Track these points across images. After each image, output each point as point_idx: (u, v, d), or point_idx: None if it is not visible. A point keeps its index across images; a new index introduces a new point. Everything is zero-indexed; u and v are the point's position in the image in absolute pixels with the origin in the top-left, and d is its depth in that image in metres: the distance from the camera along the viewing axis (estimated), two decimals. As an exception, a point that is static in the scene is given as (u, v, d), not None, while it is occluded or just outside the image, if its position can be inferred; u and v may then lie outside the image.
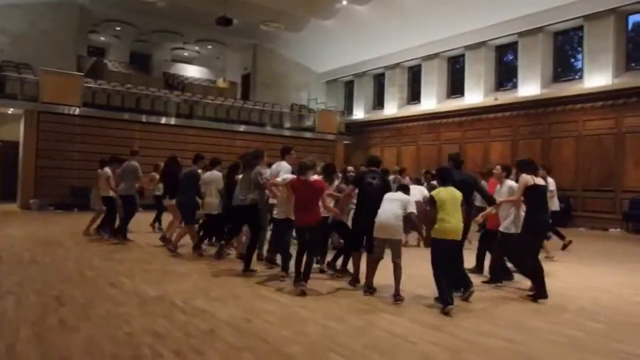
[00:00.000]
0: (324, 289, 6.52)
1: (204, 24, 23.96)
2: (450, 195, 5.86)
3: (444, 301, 5.59)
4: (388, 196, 6.36)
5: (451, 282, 5.89)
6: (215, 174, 9.08)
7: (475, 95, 19.98)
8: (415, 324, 5.11)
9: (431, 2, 18.78)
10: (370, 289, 6.31)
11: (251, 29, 24.28)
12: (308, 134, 23.49)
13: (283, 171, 7.91)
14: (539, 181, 6.59)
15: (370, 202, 6.49)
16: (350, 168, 11.40)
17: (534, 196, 6.47)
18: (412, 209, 6.25)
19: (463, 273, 6.29)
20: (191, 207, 9.21)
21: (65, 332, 4.58)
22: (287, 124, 23.68)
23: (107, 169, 10.49)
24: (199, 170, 9.50)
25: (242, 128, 21.51)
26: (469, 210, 6.82)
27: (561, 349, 4.56)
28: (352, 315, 5.45)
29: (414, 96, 23.39)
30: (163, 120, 19.83)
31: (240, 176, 8.17)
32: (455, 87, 21.53)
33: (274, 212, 7.67)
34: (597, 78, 16.10)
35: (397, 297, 5.95)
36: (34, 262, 7.84)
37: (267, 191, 7.92)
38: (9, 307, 5.32)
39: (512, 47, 19.45)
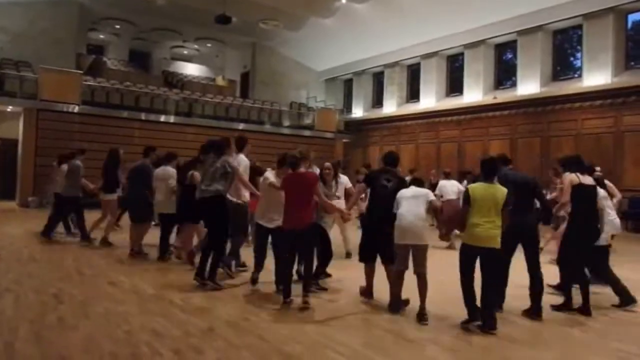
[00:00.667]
0: (325, 289, 6.52)
1: (203, 22, 23.91)
2: (489, 193, 5.00)
3: (469, 315, 5.00)
4: (408, 193, 5.57)
5: (490, 298, 5.02)
6: (169, 171, 8.29)
7: (474, 94, 19.97)
8: (414, 322, 5.11)
9: (430, 0, 18.76)
10: (398, 307, 5.49)
11: (250, 27, 24.24)
12: (307, 132, 23.47)
13: (242, 166, 7.15)
14: (587, 180, 5.85)
15: (381, 207, 5.77)
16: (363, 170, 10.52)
17: (578, 198, 5.74)
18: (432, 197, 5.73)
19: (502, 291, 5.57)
20: (141, 204, 8.45)
21: (64, 331, 4.59)
22: (286, 122, 23.66)
23: (65, 166, 10.14)
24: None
25: (241, 126, 21.47)
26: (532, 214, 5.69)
27: (557, 347, 4.57)
28: (351, 314, 5.45)
29: (413, 94, 23.36)
30: (162, 118, 19.81)
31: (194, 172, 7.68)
32: (454, 86, 21.50)
33: (261, 218, 6.57)
34: (596, 77, 16.09)
35: (423, 317, 5.14)
36: (32, 260, 7.84)
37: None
38: (7, 305, 5.32)
39: (511, 46, 19.43)
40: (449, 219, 5.87)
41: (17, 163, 17.46)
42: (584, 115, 16.37)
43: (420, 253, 5.38)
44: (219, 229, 6.49)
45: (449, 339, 4.72)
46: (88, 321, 4.86)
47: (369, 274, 6.03)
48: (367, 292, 6.06)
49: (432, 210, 5.76)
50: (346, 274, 7.13)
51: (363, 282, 6.07)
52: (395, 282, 5.52)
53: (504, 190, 5.00)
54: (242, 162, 7.21)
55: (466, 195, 5.11)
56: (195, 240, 8.12)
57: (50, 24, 20.83)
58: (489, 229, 4.90)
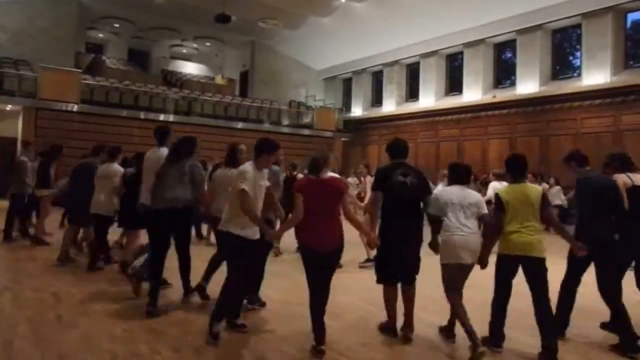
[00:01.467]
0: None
1: (203, 21, 23.90)
2: (522, 195, 4.38)
3: (492, 339, 4.41)
4: (454, 196, 4.55)
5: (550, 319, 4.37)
6: (113, 168, 7.22)
7: (473, 93, 19.96)
8: (416, 322, 5.11)
9: (430, -1, 18.78)
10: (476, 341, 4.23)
11: (249, 26, 24.23)
12: (306, 131, 23.47)
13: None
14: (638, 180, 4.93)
15: (403, 212, 4.64)
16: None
17: (632, 202, 4.81)
18: (485, 209, 4.67)
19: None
20: (80, 204, 7.43)
21: (63, 329, 4.59)
22: (285, 121, 23.65)
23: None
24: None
25: (240, 125, 21.48)
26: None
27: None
28: (350, 312, 5.45)
29: (412, 93, 23.35)
30: (161, 117, 19.79)
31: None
32: (454, 85, 21.50)
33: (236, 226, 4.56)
34: (596, 76, 16.09)
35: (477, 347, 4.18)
36: (31, 258, 7.83)
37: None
38: (6, 304, 5.32)
39: (510, 45, 19.43)
40: (488, 235, 4.52)
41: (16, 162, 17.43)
42: (583, 115, 16.37)
43: (467, 273, 4.57)
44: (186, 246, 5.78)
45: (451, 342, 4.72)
46: (87, 319, 4.86)
47: (392, 300, 4.74)
48: (389, 325, 4.78)
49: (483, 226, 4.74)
50: (345, 270, 7.12)
51: (363, 282, 6.04)
52: (462, 311, 4.40)
53: (538, 188, 4.49)
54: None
55: (498, 201, 4.45)
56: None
57: (49, 22, 20.80)
58: (527, 235, 4.29)
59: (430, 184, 5.48)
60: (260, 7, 21.22)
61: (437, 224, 4.58)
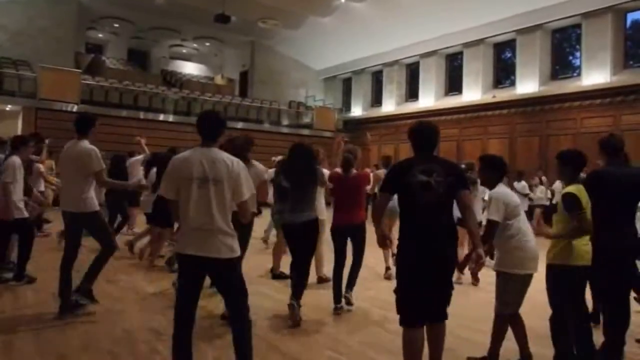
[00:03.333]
0: (321, 287, 6.52)
1: (202, 21, 23.91)
2: (586, 197, 3.75)
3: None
4: (515, 197, 4.00)
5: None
6: (12, 161, 5.98)
7: (473, 93, 19.97)
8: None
9: (429, -1, 18.79)
10: None
11: (249, 26, 24.24)
12: (306, 131, 23.49)
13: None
14: None
15: (425, 226, 3.40)
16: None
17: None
18: None
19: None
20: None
21: (63, 329, 4.59)
22: (285, 121, 23.68)
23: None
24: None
25: (240, 125, 21.47)
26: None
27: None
28: (350, 312, 5.45)
29: (412, 93, 23.36)
30: (161, 117, 19.82)
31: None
32: (453, 85, 21.51)
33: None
34: (595, 76, 16.10)
35: None
36: (30, 258, 7.82)
37: None
38: (6, 304, 5.32)
39: (510, 45, 19.43)
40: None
41: (15, 162, 17.45)
42: (582, 114, 16.37)
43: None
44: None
45: (449, 338, 4.70)
46: (87, 319, 4.86)
47: (415, 347, 3.43)
48: None
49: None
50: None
51: (363, 282, 6.01)
52: (499, 336, 3.91)
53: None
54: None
55: (574, 202, 3.64)
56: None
57: (49, 22, 20.80)
58: (588, 243, 3.73)
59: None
60: (260, 7, 21.22)
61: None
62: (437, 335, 3.51)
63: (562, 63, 18.12)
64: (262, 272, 7.32)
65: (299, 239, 5.16)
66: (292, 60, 27.39)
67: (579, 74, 16.94)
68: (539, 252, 3.88)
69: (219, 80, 30.13)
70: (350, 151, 5.59)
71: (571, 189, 3.70)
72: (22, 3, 20.25)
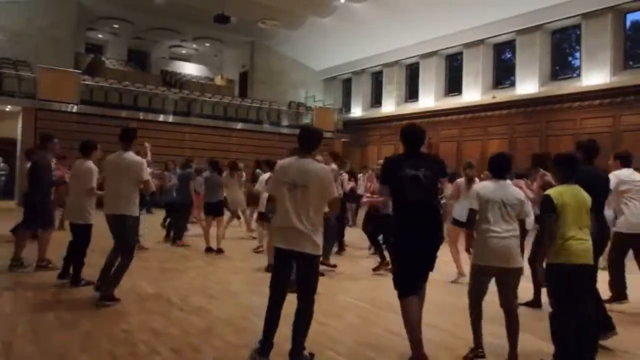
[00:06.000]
0: (321, 287, 6.51)
1: (202, 22, 23.89)
2: (575, 198, 3.88)
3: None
4: (493, 193, 4.08)
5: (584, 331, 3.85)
6: (89, 166, 6.35)
7: (473, 93, 19.97)
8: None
9: (429, 0, 18.75)
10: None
11: (249, 26, 24.23)
12: (306, 132, 23.45)
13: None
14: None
15: (414, 210, 3.93)
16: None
17: None
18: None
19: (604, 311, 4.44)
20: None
21: (62, 329, 4.59)
22: (285, 122, 23.65)
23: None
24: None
25: (239, 126, 21.49)
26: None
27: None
28: (349, 312, 5.45)
29: (412, 94, 23.36)
30: (161, 117, 19.81)
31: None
32: (453, 85, 21.51)
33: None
34: (595, 76, 16.10)
35: None
36: (31, 258, 7.81)
37: None
38: (6, 304, 5.32)
39: (510, 45, 19.43)
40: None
41: (15, 162, 17.45)
42: (582, 115, 16.37)
43: (512, 280, 4.08)
44: None
45: (447, 337, 4.71)
46: (86, 320, 4.85)
47: (415, 317, 3.97)
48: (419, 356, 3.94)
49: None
50: (344, 270, 7.13)
51: (363, 282, 6.03)
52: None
53: (587, 195, 3.95)
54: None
55: (549, 204, 3.84)
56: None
57: (48, 23, 20.80)
58: (588, 242, 3.90)
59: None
60: (260, 7, 21.22)
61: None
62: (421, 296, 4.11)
63: (562, 63, 18.12)
64: (262, 272, 7.32)
65: None
66: (292, 61, 27.39)
67: (578, 75, 16.94)
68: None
69: (218, 80, 30.13)
70: None
71: (551, 191, 3.93)
72: (22, 3, 20.25)
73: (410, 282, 3.98)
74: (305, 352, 3.96)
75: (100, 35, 29.46)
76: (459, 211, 6.64)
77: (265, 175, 8.56)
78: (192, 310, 5.32)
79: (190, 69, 33.31)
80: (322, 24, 23.07)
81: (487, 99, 19.25)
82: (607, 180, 4.93)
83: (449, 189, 7.25)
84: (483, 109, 19.24)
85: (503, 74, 19.97)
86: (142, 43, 30.84)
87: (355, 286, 6.29)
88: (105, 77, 21.29)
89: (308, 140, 4.04)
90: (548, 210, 3.83)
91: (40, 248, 7.03)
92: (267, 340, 3.93)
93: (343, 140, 24.79)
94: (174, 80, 27.71)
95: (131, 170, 5.55)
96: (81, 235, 6.18)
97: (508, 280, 4.03)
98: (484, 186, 4.20)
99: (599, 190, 4.43)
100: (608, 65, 15.81)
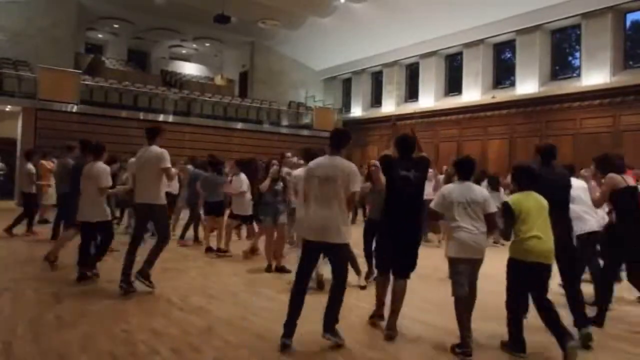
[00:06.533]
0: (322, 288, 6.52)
1: (202, 22, 23.88)
2: (534, 203, 4.41)
3: (515, 346, 4.35)
4: (456, 195, 4.50)
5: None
6: (103, 167, 6.75)
7: (473, 93, 19.97)
8: (413, 321, 5.11)
9: (429, 0, 18.76)
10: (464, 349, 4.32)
11: (249, 26, 24.22)
12: (305, 132, 23.49)
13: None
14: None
15: (402, 205, 4.77)
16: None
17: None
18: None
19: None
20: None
21: (62, 329, 4.59)
22: (285, 122, 23.66)
23: (31, 165, 10.75)
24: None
25: (239, 125, 21.49)
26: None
27: (557, 346, 4.56)
28: (349, 312, 5.45)
29: (412, 94, 23.36)
30: (161, 117, 19.80)
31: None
32: (453, 85, 21.50)
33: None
34: (595, 76, 16.09)
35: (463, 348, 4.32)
36: (31, 259, 7.83)
37: None
38: (5, 304, 5.32)
39: (509, 45, 19.42)
40: None
41: (15, 162, 17.45)
42: (582, 115, 16.37)
43: (477, 270, 4.60)
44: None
45: (451, 339, 4.71)
46: (86, 320, 4.86)
47: (383, 288, 5.01)
48: (376, 312, 5.11)
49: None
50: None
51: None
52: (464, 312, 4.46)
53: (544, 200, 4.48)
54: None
55: (508, 210, 4.42)
56: None
57: (48, 22, 20.79)
58: (548, 242, 4.37)
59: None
60: (260, 7, 21.22)
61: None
62: (398, 286, 4.76)
63: (562, 63, 18.12)
64: (262, 273, 7.33)
65: None
66: (292, 61, 27.39)
67: (578, 75, 16.94)
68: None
69: (218, 80, 30.12)
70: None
71: (510, 198, 4.57)
72: (22, 3, 20.24)
73: (387, 261, 4.85)
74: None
75: (100, 35, 29.44)
76: None
77: (243, 176, 8.75)
78: (192, 310, 5.32)
79: (190, 69, 33.31)
80: (322, 24, 23.07)
81: (487, 98, 19.25)
82: (568, 181, 5.17)
83: None
84: (483, 108, 19.24)
85: (503, 73, 19.96)
86: (142, 43, 30.83)
87: (356, 287, 6.29)
88: (105, 77, 21.27)
89: (338, 139, 4.57)
90: (506, 215, 4.41)
91: (58, 244, 7.43)
92: (291, 322, 4.32)
93: (343, 140, 24.78)
94: (174, 80, 27.70)
95: (154, 160, 6.05)
96: (106, 230, 6.69)
97: (474, 271, 4.54)
98: (450, 189, 4.60)
99: (559, 192, 4.83)
100: (608, 65, 15.81)
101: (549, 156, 5.11)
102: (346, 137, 4.63)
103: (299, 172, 6.53)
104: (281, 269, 7.29)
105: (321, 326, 4.40)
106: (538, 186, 4.48)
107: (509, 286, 4.43)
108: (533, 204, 4.36)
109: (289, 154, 8.12)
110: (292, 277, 5.01)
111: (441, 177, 9.70)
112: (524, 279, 4.34)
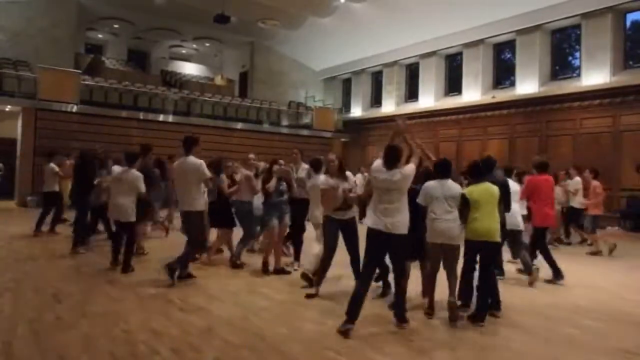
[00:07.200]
0: (321, 287, 6.52)
1: (202, 22, 23.89)
2: (483, 193, 5.35)
3: (465, 299, 5.50)
4: (435, 191, 5.35)
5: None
6: (137, 174, 7.43)
7: (472, 93, 19.97)
8: (413, 321, 5.11)
9: (429, 0, 18.75)
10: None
11: (249, 26, 24.23)
12: (305, 132, 23.49)
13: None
14: None
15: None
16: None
17: None
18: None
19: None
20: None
21: (62, 329, 4.59)
22: (285, 122, 23.66)
23: (53, 164, 10.83)
24: None
25: (239, 125, 21.49)
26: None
27: (557, 347, 4.57)
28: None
29: (412, 94, 23.37)
30: (161, 117, 19.80)
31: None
32: (453, 85, 21.51)
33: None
34: (595, 76, 16.10)
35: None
36: (31, 259, 7.83)
37: None
38: (6, 304, 5.32)
39: (509, 45, 19.43)
40: None
41: (15, 162, 17.45)
42: (582, 115, 16.37)
43: (451, 253, 5.35)
44: None
45: (445, 336, 4.72)
46: (86, 320, 4.86)
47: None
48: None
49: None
50: (345, 271, 7.12)
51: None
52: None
53: (495, 189, 5.48)
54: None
55: (465, 200, 5.39)
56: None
57: (48, 23, 20.79)
58: (489, 224, 5.39)
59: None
60: (260, 7, 21.22)
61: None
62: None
63: (562, 63, 18.13)
64: (262, 273, 7.32)
65: None
66: (292, 61, 27.40)
67: (578, 75, 16.94)
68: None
69: (218, 80, 30.11)
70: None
71: (465, 189, 5.47)
72: (22, 3, 20.25)
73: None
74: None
75: (100, 35, 29.45)
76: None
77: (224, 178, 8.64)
78: (192, 310, 5.32)
79: (190, 69, 33.31)
80: (322, 24, 23.08)
81: (487, 98, 19.25)
82: (506, 186, 6.04)
83: None
84: (483, 108, 19.24)
85: (503, 73, 19.97)
86: (142, 43, 30.83)
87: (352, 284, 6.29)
88: (105, 77, 21.27)
89: (391, 157, 5.00)
90: (462, 203, 5.31)
91: (139, 238, 8.20)
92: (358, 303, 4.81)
93: (343, 140, 24.81)
94: (174, 80, 27.70)
95: (193, 171, 6.53)
96: (131, 230, 7.26)
97: (448, 255, 5.33)
98: (430, 186, 5.35)
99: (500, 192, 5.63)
100: (608, 65, 15.82)
101: (490, 166, 6.02)
102: (399, 154, 5.05)
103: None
104: (280, 271, 7.26)
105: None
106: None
107: (464, 259, 5.44)
108: (478, 194, 5.32)
109: (252, 155, 8.11)
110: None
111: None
112: (474, 254, 5.39)
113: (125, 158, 7.47)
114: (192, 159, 6.61)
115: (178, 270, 6.47)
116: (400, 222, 4.86)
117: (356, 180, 7.74)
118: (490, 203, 5.31)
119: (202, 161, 6.63)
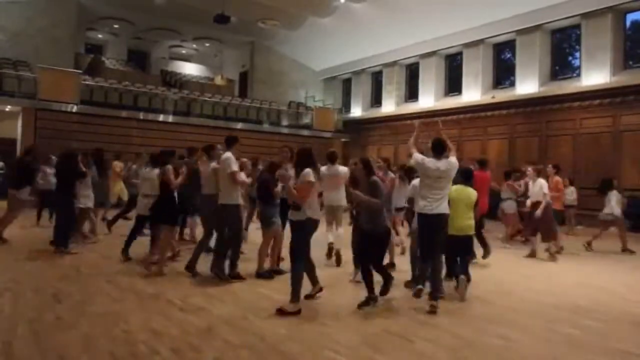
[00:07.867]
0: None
1: (202, 22, 23.90)
2: (460, 194, 6.35)
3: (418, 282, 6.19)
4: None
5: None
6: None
7: (472, 93, 19.98)
8: (413, 321, 5.11)
9: (429, 0, 18.76)
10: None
11: (249, 26, 24.24)
12: (305, 132, 23.49)
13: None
14: None
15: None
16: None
17: None
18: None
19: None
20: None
21: (62, 329, 4.58)
22: (285, 122, 23.67)
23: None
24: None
25: (239, 125, 21.48)
26: None
27: (557, 348, 4.57)
28: (349, 312, 5.45)
29: (412, 94, 23.37)
30: (160, 117, 19.81)
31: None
32: (453, 85, 21.52)
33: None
34: (595, 76, 16.10)
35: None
36: (31, 259, 7.83)
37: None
38: (5, 304, 5.31)
39: (509, 45, 19.44)
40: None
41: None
42: (582, 115, 16.38)
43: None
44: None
45: (446, 337, 4.72)
46: (86, 320, 4.86)
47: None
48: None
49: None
50: (344, 270, 7.12)
51: (362, 283, 6.03)
52: None
53: (473, 192, 6.57)
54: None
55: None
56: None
57: (48, 23, 20.81)
58: (461, 222, 6.38)
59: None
60: (260, 7, 21.23)
61: None
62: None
63: (562, 63, 18.13)
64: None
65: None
66: (292, 61, 27.40)
67: (578, 75, 16.94)
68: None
69: (218, 80, 30.11)
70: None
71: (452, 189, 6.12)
72: (22, 3, 20.26)
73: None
74: None
75: (100, 35, 29.46)
76: (395, 200, 8.22)
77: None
78: (193, 310, 5.31)
79: (190, 69, 33.31)
80: (322, 24, 23.08)
81: (487, 98, 19.26)
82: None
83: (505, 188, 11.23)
84: (483, 108, 19.25)
85: (503, 74, 19.98)
86: (142, 43, 30.84)
87: (355, 286, 6.29)
88: (105, 77, 21.28)
89: (439, 147, 5.95)
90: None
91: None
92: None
93: (343, 140, 24.82)
94: (173, 80, 27.70)
95: (225, 165, 6.84)
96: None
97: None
98: (414, 184, 6.52)
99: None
100: (608, 65, 15.83)
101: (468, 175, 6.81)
102: (445, 145, 6.01)
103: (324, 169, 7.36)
104: (277, 272, 7.22)
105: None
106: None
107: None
108: (457, 195, 6.25)
109: (219, 146, 7.95)
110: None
111: None
112: (451, 246, 6.19)
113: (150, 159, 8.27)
114: (226, 154, 7.03)
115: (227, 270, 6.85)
116: (446, 205, 5.77)
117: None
118: (464, 203, 6.35)
119: (230, 155, 6.96)
